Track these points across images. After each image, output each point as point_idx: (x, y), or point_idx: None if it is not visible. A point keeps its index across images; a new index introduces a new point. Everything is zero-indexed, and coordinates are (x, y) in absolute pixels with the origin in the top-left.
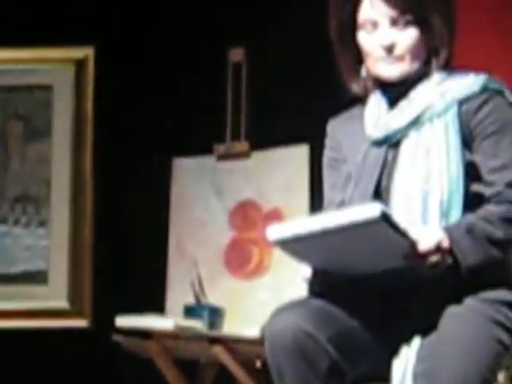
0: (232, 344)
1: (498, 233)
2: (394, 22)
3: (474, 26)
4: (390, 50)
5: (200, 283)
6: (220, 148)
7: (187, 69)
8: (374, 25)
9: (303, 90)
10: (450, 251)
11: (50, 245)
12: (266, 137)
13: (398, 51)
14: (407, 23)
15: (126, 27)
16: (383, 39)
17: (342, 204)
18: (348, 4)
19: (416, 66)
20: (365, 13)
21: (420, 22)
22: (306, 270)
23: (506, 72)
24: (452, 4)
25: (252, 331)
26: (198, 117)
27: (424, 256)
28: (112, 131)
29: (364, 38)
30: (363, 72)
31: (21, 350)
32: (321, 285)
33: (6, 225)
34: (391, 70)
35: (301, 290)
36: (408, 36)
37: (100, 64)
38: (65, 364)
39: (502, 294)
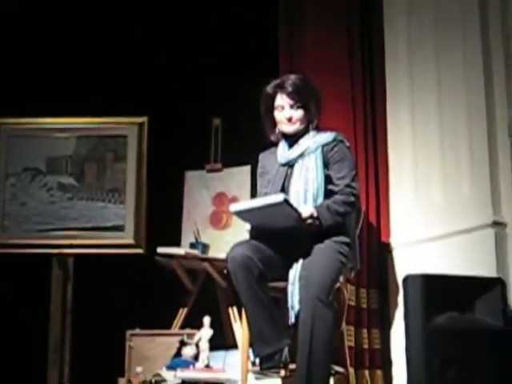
0: (213, 261)
1: (340, 209)
2: (291, 107)
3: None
4: (289, 120)
5: (197, 232)
6: (208, 166)
7: (191, 132)
8: (282, 108)
9: (249, 139)
10: (317, 218)
11: (125, 212)
12: (230, 161)
13: (293, 120)
14: (298, 107)
15: (165, 104)
16: (286, 114)
17: (266, 195)
18: (269, 97)
19: (302, 127)
20: (277, 102)
21: (304, 107)
22: (248, 226)
23: (341, 127)
24: (320, 99)
25: (222, 255)
26: (197, 152)
27: (304, 220)
28: (157, 158)
29: (277, 114)
30: (276, 130)
31: (109, 265)
32: (255, 233)
33: (104, 203)
34: (289, 128)
35: (245, 236)
36: (298, 113)
37: (151, 125)
38: (131, 273)
39: (341, 238)
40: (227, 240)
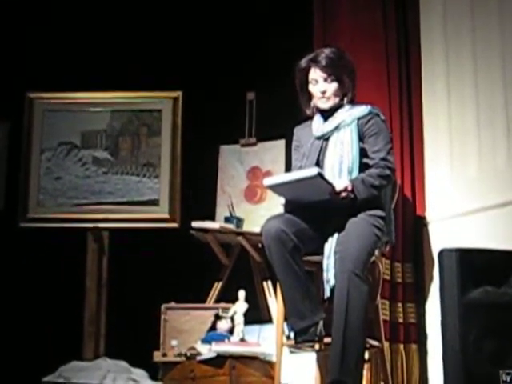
0: (247, 235)
1: (376, 182)
2: (325, 80)
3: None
4: (323, 93)
5: (232, 206)
6: (242, 141)
7: (225, 106)
8: (316, 81)
9: (284, 113)
10: (352, 191)
11: (160, 187)
12: (264, 135)
13: (327, 94)
14: (331, 80)
15: (199, 79)
16: (320, 88)
17: (300, 168)
18: (303, 71)
19: (336, 101)
20: (311, 75)
21: (338, 80)
22: (282, 200)
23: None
24: (355, 72)
25: (256, 229)
26: (231, 126)
27: (339, 193)
28: (192, 132)
29: (311, 88)
30: (311, 104)
31: (144, 239)
32: (289, 207)
33: (139, 177)
34: (324, 105)
35: (280, 209)
36: (332, 86)
37: (186, 99)
38: (166, 245)
39: (377, 211)
40: (261, 214)
